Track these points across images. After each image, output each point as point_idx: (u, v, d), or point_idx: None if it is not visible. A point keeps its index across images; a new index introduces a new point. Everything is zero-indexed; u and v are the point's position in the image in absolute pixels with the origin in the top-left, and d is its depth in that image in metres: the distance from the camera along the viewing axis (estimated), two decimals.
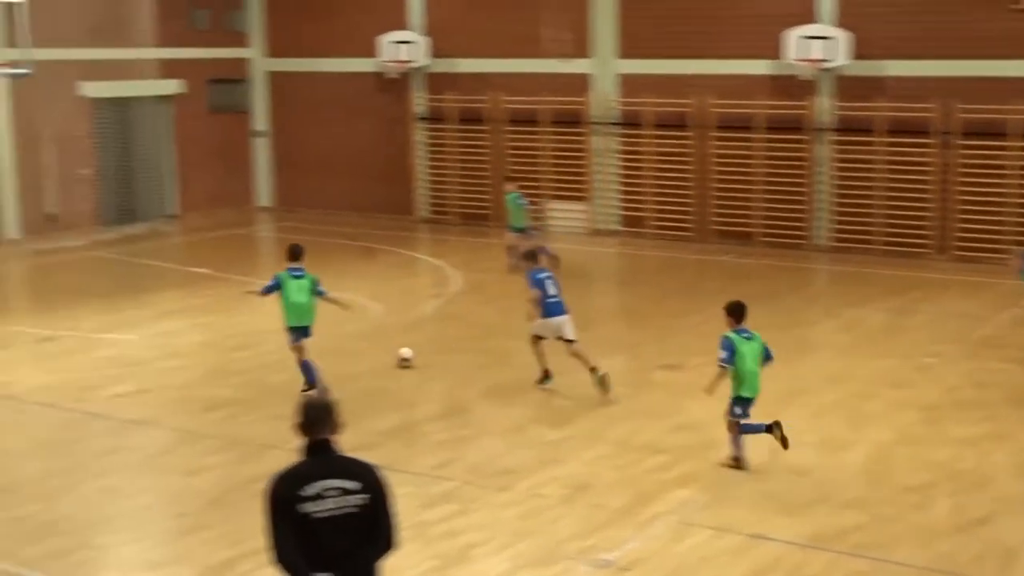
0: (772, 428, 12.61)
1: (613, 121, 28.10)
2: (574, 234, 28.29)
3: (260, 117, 33.07)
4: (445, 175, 30.24)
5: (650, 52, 27.37)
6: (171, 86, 30.74)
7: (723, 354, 12.35)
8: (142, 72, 30.07)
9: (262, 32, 32.62)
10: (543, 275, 15.62)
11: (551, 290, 15.49)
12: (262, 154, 33.19)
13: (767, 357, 12.63)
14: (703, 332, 18.74)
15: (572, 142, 28.49)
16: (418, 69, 30.06)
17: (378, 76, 30.63)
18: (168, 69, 30.60)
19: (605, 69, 28.07)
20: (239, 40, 32.50)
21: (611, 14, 27.76)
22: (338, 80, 31.46)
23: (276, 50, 32.51)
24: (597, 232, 28.31)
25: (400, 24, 30.16)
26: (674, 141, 27.30)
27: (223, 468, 12.95)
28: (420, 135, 30.62)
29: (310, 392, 15.36)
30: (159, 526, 11.81)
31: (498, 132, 29.36)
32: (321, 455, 6.90)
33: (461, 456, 13.28)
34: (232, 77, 32.42)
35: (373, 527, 6.87)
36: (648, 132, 27.54)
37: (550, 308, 15.43)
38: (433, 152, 30.56)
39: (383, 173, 31.04)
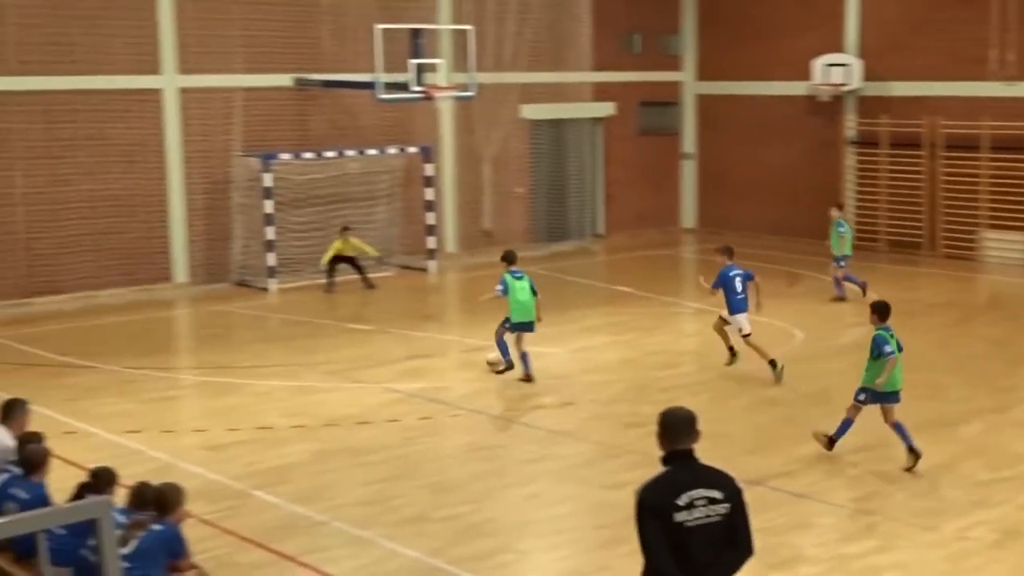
0: (913, 450, 13.30)
1: None
2: (1012, 265, 26.83)
3: (688, 139, 33.37)
4: (875, 201, 29.42)
5: None
6: (603, 108, 31.52)
7: (888, 348, 13.29)
8: (577, 95, 31.00)
9: (694, 56, 32.92)
10: (734, 272, 17.12)
11: (739, 288, 17.05)
12: (688, 176, 33.46)
13: (899, 349, 13.58)
14: None
15: (1014, 169, 27.03)
16: (851, 92, 29.43)
17: (809, 99, 30.22)
18: (601, 92, 31.40)
19: None
20: (671, 64, 32.91)
21: None
22: (767, 103, 31.29)
23: (706, 73, 32.71)
24: None
25: (834, 47, 29.62)
26: None
27: None
28: (850, 159, 29.96)
29: (528, 379, 17.12)
30: (578, 535, 12.08)
31: (934, 157, 28.27)
32: (685, 465, 6.98)
33: (884, 491, 12.87)
34: (663, 100, 32.87)
35: (733, 535, 6.89)
36: None
37: (736, 304, 17.10)
38: (863, 177, 29.80)
39: (810, 197, 30.53)
